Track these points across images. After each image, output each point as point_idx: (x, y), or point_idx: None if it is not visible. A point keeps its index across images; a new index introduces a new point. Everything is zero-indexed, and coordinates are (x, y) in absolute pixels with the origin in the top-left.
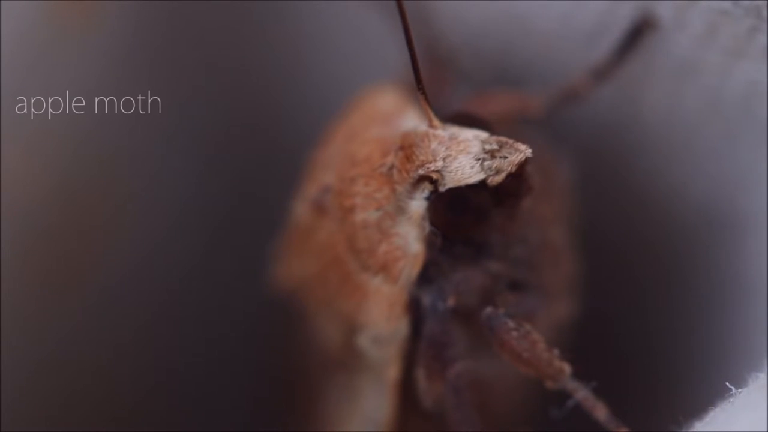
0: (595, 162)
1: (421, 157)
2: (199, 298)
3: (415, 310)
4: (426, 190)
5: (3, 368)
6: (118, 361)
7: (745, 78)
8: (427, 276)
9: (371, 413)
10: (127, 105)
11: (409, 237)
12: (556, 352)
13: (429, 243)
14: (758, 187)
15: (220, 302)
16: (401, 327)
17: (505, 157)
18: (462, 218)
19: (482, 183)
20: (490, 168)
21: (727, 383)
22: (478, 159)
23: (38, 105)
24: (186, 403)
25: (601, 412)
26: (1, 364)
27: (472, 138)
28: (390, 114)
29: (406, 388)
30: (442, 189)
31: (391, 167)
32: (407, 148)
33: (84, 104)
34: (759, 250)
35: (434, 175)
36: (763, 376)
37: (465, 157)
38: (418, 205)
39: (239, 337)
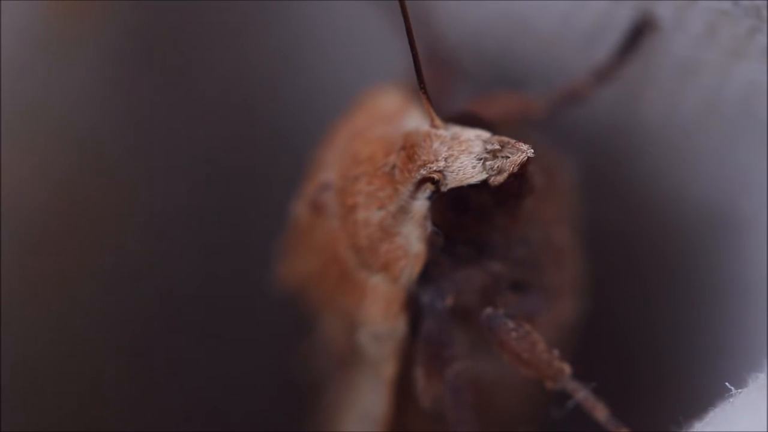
0: (596, 162)
1: (423, 157)
2: (201, 297)
3: (413, 308)
4: (428, 189)
5: (3, 368)
6: (118, 361)
7: (745, 78)
8: (427, 275)
9: (368, 409)
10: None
11: (411, 236)
12: (556, 352)
13: (430, 243)
14: (758, 187)
15: (222, 301)
16: (399, 325)
17: (507, 157)
18: (464, 218)
19: (484, 183)
20: (492, 168)
21: (727, 383)
22: (480, 159)
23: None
24: (188, 401)
25: (601, 412)
26: (1, 364)
27: (474, 138)
28: (393, 114)
29: (406, 386)
30: (444, 189)
31: (394, 167)
32: (409, 147)
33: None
34: (759, 250)
35: (436, 175)
36: (763, 376)
37: (467, 156)
38: (420, 204)
39: (241, 336)
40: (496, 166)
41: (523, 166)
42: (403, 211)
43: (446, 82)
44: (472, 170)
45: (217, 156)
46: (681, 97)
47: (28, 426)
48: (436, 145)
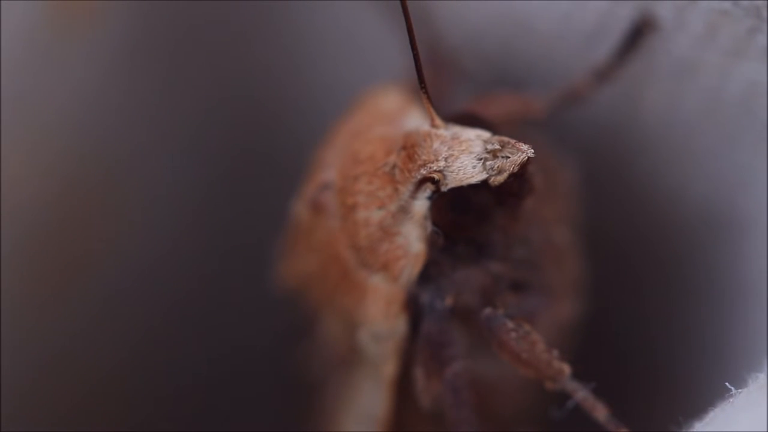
0: (595, 162)
1: (423, 157)
2: (201, 297)
3: (413, 308)
4: (428, 189)
5: (3, 368)
6: (118, 360)
7: (745, 78)
8: (427, 275)
9: (367, 409)
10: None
11: (411, 236)
12: (555, 352)
13: (431, 243)
14: (758, 188)
15: (222, 301)
16: (399, 324)
17: (507, 157)
18: (464, 218)
19: (484, 183)
20: (492, 168)
21: (727, 383)
22: (480, 159)
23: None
24: (188, 401)
25: (600, 412)
26: (1, 364)
27: (475, 138)
28: (393, 113)
29: (406, 386)
30: (444, 189)
31: (394, 166)
32: (409, 147)
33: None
34: (759, 250)
35: (436, 175)
36: (763, 376)
37: (467, 156)
38: (420, 204)
39: (241, 335)
40: (496, 166)
41: (524, 166)
42: (403, 210)
43: (447, 82)
44: (472, 170)
45: (217, 155)
46: (681, 97)
47: (28, 426)
48: (436, 144)
